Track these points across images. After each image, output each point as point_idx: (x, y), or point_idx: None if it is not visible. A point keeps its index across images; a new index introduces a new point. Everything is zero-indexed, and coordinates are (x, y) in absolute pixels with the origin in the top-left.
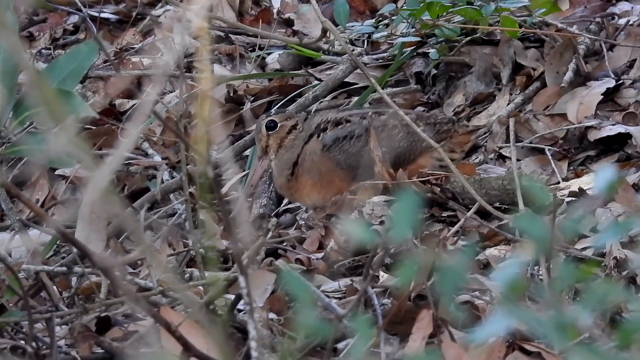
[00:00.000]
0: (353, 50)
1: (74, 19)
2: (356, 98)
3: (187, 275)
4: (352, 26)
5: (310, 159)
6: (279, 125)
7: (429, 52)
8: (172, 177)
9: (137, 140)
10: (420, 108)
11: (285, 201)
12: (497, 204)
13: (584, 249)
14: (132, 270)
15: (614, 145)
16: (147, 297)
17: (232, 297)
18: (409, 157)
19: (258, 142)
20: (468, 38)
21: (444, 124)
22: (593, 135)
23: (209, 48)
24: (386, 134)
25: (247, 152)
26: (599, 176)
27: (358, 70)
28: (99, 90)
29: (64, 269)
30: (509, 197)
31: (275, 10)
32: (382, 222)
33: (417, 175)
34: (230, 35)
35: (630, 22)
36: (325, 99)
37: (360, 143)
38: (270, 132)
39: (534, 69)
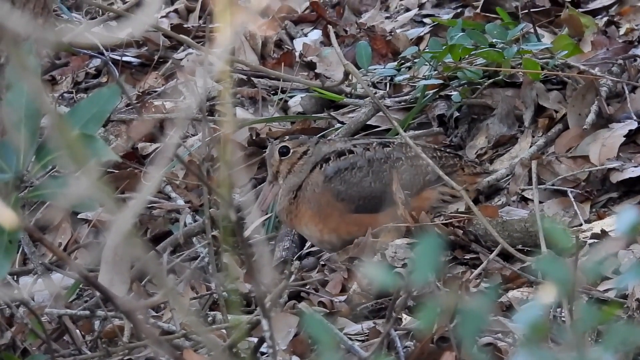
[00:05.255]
0: (375, 93)
1: (96, 62)
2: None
3: (210, 318)
4: (375, 69)
5: (311, 189)
6: (291, 151)
7: (451, 95)
8: (195, 221)
9: (160, 183)
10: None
11: (308, 244)
12: (519, 246)
13: (607, 290)
14: (155, 314)
15: (636, 187)
16: (170, 340)
17: (255, 340)
18: (412, 189)
19: (270, 167)
20: (490, 80)
21: (450, 158)
22: (615, 177)
23: (231, 91)
24: (389, 166)
25: None
26: (621, 218)
27: (380, 113)
28: (122, 134)
29: (87, 312)
30: (531, 239)
31: (297, 53)
32: (404, 265)
33: (429, 209)
34: (252, 78)
35: None
36: None
37: (362, 174)
38: (282, 158)
39: (556, 111)
